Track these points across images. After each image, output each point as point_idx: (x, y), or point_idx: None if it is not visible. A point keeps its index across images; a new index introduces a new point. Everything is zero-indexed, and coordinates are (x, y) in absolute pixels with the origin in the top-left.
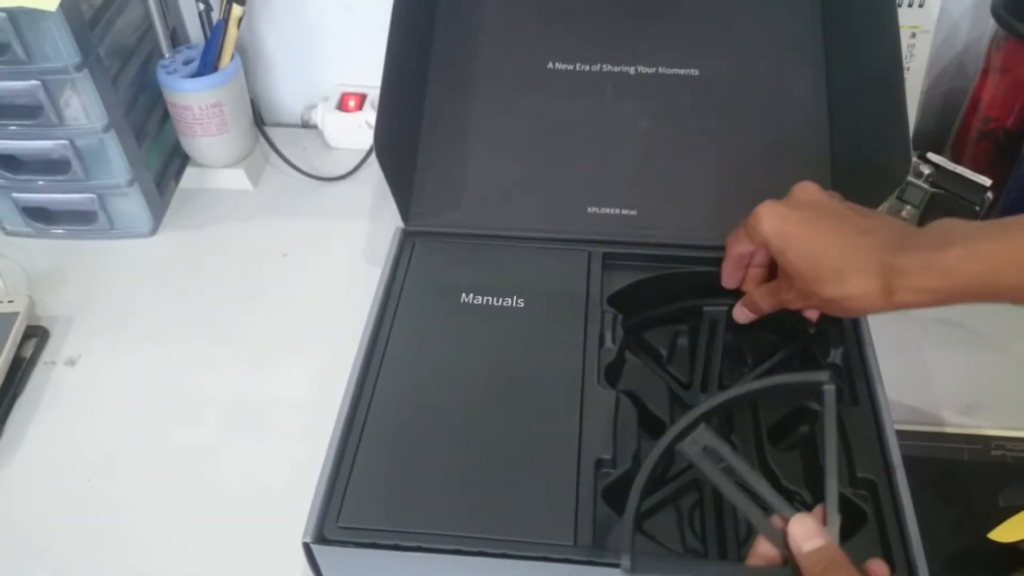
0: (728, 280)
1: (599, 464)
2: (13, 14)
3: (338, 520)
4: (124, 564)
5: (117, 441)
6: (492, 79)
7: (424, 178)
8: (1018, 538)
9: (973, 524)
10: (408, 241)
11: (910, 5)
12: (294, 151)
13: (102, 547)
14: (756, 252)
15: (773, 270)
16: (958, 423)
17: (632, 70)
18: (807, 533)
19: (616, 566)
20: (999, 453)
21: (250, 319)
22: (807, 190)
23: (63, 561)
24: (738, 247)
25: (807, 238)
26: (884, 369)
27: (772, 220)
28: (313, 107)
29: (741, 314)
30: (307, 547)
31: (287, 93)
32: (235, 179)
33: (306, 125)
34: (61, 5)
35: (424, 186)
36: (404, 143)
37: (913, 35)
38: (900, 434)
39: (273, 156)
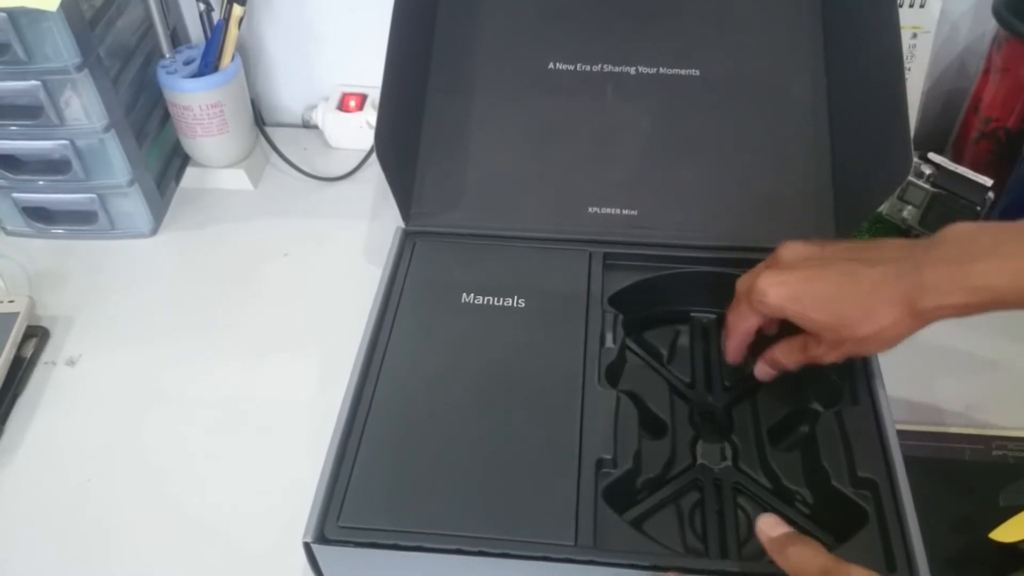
0: (735, 356)
1: (600, 464)
2: (13, 14)
3: (339, 520)
4: (124, 564)
5: (117, 441)
6: (493, 79)
7: (425, 178)
8: (1019, 538)
9: (974, 524)
10: (409, 241)
11: (911, 5)
12: (294, 151)
13: (102, 547)
14: (765, 324)
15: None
16: (959, 423)
17: (633, 70)
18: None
19: (618, 565)
20: (1000, 453)
21: (251, 319)
22: (793, 248)
23: (63, 561)
24: (745, 324)
25: (821, 293)
26: (885, 369)
27: (778, 289)
28: (313, 107)
29: (763, 372)
30: (307, 547)
31: (287, 93)
32: (235, 179)
33: (307, 125)
34: (61, 5)
35: (425, 186)
36: (405, 143)
37: (914, 35)
38: (901, 434)
39: (274, 156)
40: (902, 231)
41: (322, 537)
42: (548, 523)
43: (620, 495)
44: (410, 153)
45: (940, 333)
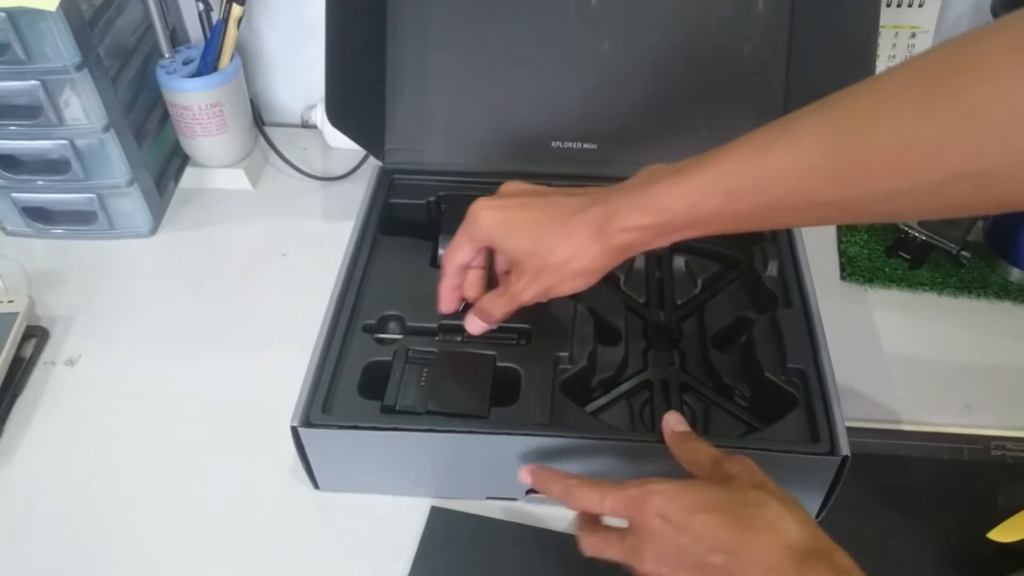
0: (448, 302)
1: (557, 361)
2: (13, 14)
3: (323, 409)
4: (124, 564)
5: (117, 441)
6: (453, 4)
7: (395, 117)
8: (1017, 538)
9: (972, 524)
10: (385, 178)
11: (910, 5)
12: (294, 151)
13: (102, 547)
14: (475, 256)
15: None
16: (958, 423)
17: None
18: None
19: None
20: (999, 453)
21: (250, 319)
22: (515, 184)
23: (63, 561)
24: (459, 257)
25: (526, 218)
26: (884, 369)
27: (489, 213)
28: (313, 107)
29: (474, 325)
30: (295, 431)
31: (287, 93)
32: (235, 179)
33: (306, 125)
34: (61, 5)
35: (395, 125)
36: (364, 90)
37: (913, 35)
38: (900, 434)
39: (273, 156)
40: (900, 231)
41: (307, 422)
42: (509, 412)
43: (577, 391)
44: (375, 98)
45: (939, 333)
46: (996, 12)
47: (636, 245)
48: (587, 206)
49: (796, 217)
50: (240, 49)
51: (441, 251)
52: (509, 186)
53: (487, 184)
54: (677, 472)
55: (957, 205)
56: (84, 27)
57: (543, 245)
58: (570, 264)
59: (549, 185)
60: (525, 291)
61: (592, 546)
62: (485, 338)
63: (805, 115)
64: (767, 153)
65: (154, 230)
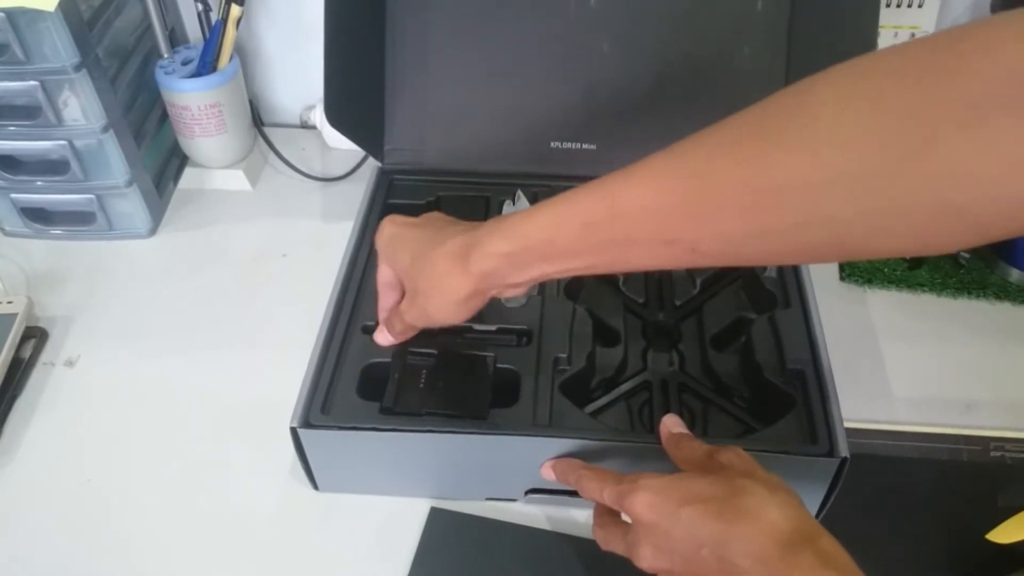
0: (383, 318)
1: (556, 363)
2: (12, 14)
3: (322, 410)
4: (124, 564)
5: (117, 441)
6: (453, 4)
7: (395, 117)
8: (1017, 539)
9: (972, 525)
10: (384, 179)
11: (910, 5)
12: (293, 151)
13: (102, 547)
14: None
15: None
16: (957, 424)
17: None
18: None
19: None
20: (998, 454)
21: (249, 319)
22: (432, 214)
23: (63, 561)
24: (380, 277)
25: (412, 238)
26: (883, 369)
27: (388, 227)
28: (312, 107)
29: (382, 337)
30: (294, 431)
31: (286, 93)
32: (234, 179)
33: (305, 125)
34: (60, 5)
35: (395, 125)
36: (364, 91)
37: (913, 35)
38: (899, 435)
39: (272, 156)
40: None
41: (307, 423)
42: (509, 413)
43: (576, 391)
44: (374, 99)
45: (939, 333)
46: (995, 12)
47: (497, 273)
48: (461, 233)
49: (651, 254)
50: (239, 49)
51: None
52: (426, 216)
53: (487, 184)
54: (676, 472)
55: (812, 252)
56: (83, 27)
57: (415, 265)
58: (437, 287)
59: (548, 187)
60: (407, 312)
61: (601, 539)
62: (484, 339)
63: (659, 155)
64: (620, 188)
65: (153, 231)
